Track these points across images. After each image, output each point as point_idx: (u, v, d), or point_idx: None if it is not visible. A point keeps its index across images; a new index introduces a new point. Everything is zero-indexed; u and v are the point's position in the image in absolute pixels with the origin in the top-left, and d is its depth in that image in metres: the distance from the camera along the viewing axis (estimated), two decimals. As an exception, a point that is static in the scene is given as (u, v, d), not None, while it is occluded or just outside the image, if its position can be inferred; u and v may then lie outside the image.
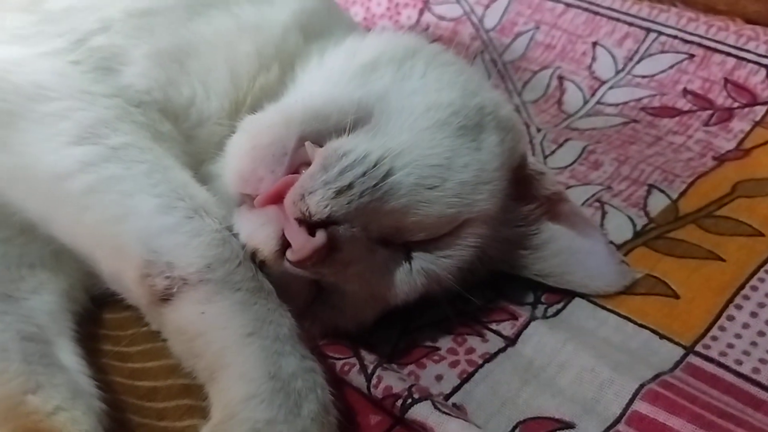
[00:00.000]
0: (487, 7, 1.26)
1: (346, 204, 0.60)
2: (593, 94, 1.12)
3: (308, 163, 0.62)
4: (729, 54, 1.06)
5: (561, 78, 1.15)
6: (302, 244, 0.59)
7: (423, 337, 0.74)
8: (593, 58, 1.14)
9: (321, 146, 0.63)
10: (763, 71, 1.02)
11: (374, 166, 0.62)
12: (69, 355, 0.67)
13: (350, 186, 0.61)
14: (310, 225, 0.60)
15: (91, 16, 0.73)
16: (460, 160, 0.68)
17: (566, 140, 1.03)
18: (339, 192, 0.60)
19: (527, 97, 1.15)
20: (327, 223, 0.60)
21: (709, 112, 1.03)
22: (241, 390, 0.55)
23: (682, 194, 0.90)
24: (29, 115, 0.65)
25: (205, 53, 0.74)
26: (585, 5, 1.18)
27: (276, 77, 0.76)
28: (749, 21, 1.12)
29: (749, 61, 1.04)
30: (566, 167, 0.97)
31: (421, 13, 1.31)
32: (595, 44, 1.15)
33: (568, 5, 1.19)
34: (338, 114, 0.66)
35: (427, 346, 0.73)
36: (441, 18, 1.29)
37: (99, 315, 0.77)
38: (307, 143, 0.63)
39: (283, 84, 0.77)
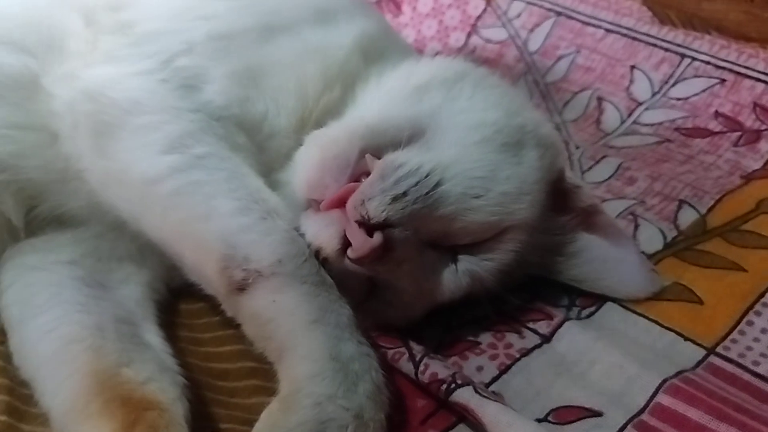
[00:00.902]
0: (531, 31, 1.30)
1: (400, 209, 0.67)
2: (630, 115, 1.15)
3: (368, 173, 0.69)
4: (758, 80, 1.09)
5: (600, 99, 1.18)
6: (361, 243, 0.66)
7: (465, 333, 0.80)
8: (631, 81, 1.18)
9: (379, 158, 0.70)
10: (790, 96, 1.05)
11: (426, 176, 0.69)
12: (154, 337, 0.75)
13: (405, 194, 0.67)
14: (368, 227, 0.66)
15: (176, 39, 0.80)
16: (502, 173, 0.73)
17: (603, 157, 1.07)
18: (395, 199, 0.67)
19: (567, 116, 1.19)
20: (383, 226, 0.67)
21: (738, 133, 1.06)
22: (306, 368, 0.61)
23: (710, 209, 0.94)
24: (125, 126, 0.73)
25: (277, 73, 0.81)
26: (624, 31, 1.22)
27: (338, 96, 0.83)
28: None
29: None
30: (602, 182, 1.02)
31: (468, 36, 1.36)
32: (633, 68, 1.19)
33: (609, 31, 1.23)
34: (395, 130, 0.73)
35: (469, 341, 0.79)
36: (487, 41, 1.34)
37: (176, 305, 0.84)
38: (367, 156, 0.70)
39: (344, 103, 0.83)
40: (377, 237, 0.66)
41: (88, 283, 0.78)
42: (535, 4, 1.32)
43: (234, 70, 0.79)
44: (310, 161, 0.73)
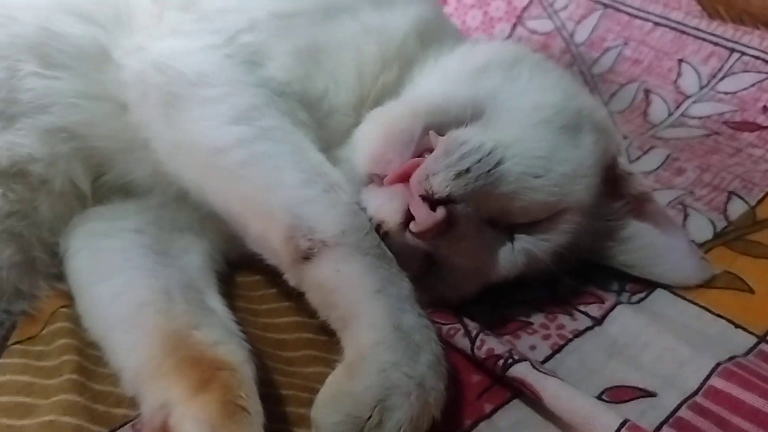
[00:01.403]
0: (578, 23, 1.32)
1: (463, 185, 0.68)
2: (678, 107, 1.16)
3: (430, 150, 0.70)
4: None
5: (647, 91, 1.20)
6: (425, 217, 0.66)
7: (516, 313, 0.81)
8: (679, 74, 1.19)
9: (442, 135, 0.71)
10: None
11: (488, 154, 0.69)
12: (218, 304, 0.76)
13: (468, 170, 0.68)
14: (432, 202, 0.67)
15: (241, 17, 0.81)
16: (561, 155, 0.74)
17: (651, 148, 1.08)
18: (458, 175, 0.67)
19: (614, 107, 1.20)
20: (446, 201, 0.67)
21: None
22: (370, 336, 0.62)
23: (760, 201, 0.95)
24: (193, 97, 0.74)
25: (336, 53, 0.82)
26: (673, 24, 1.23)
27: (395, 77, 0.84)
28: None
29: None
30: (651, 172, 1.03)
31: (514, 27, 1.37)
32: (681, 61, 1.20)
33: (657, 24, 1.24)
34: (457, 109, 0.74)
35: (521, 321, 0.79)
36: (533, 32, 1.35)
37: (233, 277, 0.86)
38: (431, 132, 0.71)
39: (401, 83, 0.85)
40: (440, 211, 0.67)
41: (155, 250, 0.80)
42: None
43: (295, 48, 0.81)
44: (374, 136, 0.74)
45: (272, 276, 0.78)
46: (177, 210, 0.84)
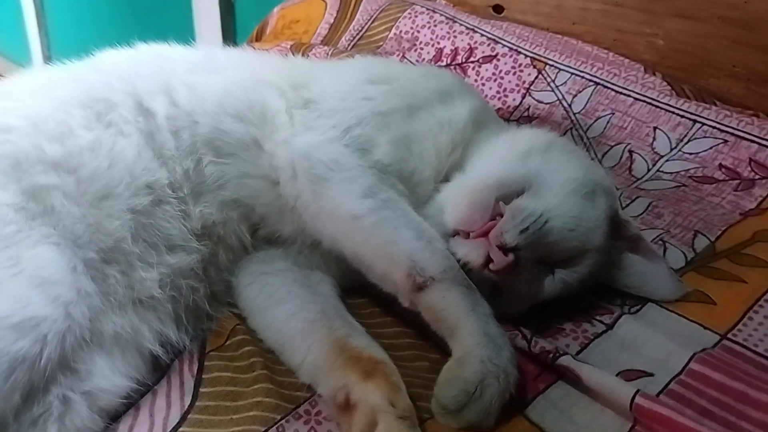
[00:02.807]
0: (575, 96, 1.55)
1: (524, 238, 0.95)
2: (654, 164, 1.38)
3: (500, 213, 0.99)
4: (753, 141, 1.32)
5: (630, 151, 1.42)
6: (501, 260, 0.95)
7: (554, 322, 1.07)
8: (654, 138, 1.41)
9: (506, 203, 1.00)
10: (777, 154, 1.29)
11: (539, 216, 0.97)
12: (354, 320, 1.04)
13: (527, 228, 0.96)
14: (504, 250, 0.96)
15: (349, 115, 1.08)
16: (585, 214, 1.02)
17: (636, 197, 1.30)
18: (521, 231, 0.96)
19: (606, 164, 1.41)
20: (514, 249, 0.96)
21: (737, 181, 1.29)
22: (470, 341, 0.89)
23: (718, 238, 1.16)
24: (332, 178, 1.01)
25: (421, 140, 1.09)
26: (649, 100, 1.46)
27: (459, 156, 1.11)
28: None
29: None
30: (637, 216, 1.25)
31: (523, 97, 1.61)
32: (655, 128, 1.42)
33: (637, 99, 1.47)
34: (515, 184, 1.01)
35: (557, 327, 1.06)
36: (539, 102, 1.59)
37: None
38: (500, 203, 0.99)
39: (463, 160, 1.11)
40: (510, 256, 0.95)
41: (303, 284, 1.06)
42: (578, 75, 1.58)
43: (393, 138, 1.07)
44: (460, 203, 1.01)
45: (376, 298, 1.05)
46: (310, 254, 1.10)
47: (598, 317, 1.09)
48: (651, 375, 0.96)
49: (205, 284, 1.06)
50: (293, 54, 1.76)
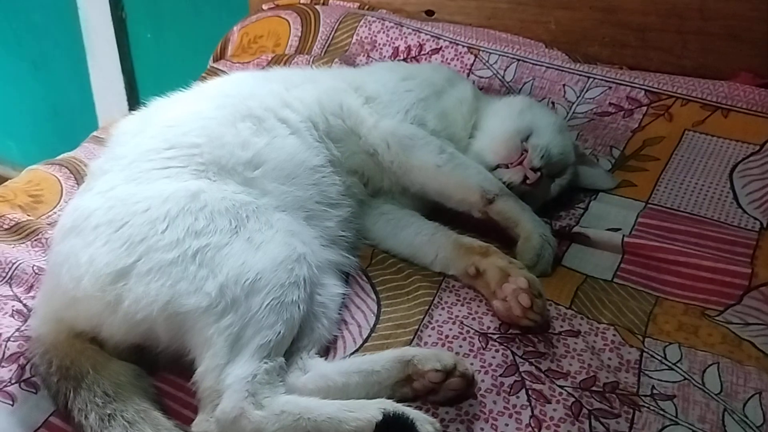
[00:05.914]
0: (505, 70, 1.98)
1: (542, 163, 1.53)
2: (570, 109, 1.87)
3: (525, 150, 1.56)
4: (625, 85, 1.85)
5: (552, 102, 1.90)
6: (534, 176, 1.51)
7: (555, 212, 1.68)
8: (564, 92, 1.91)
9: (524, 142, 1.56)
10: (642, 91, 1.83)
11: (546, 149, 1.55)
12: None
13: (542, 157, 1.53)
14: (534, 170, 1.52)
15: (403, 103, 1.56)
16: (565, 143, 1.61)
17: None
18: (540, 158, 1.53)
19: None
20: (538, 169, 1.52)
21: (623, 112, 1.81)
22: (530, 225, 1.43)
23: (624, 147, 1.72)
24: (414, 145, 1.48)
25: (451, 112, 1.61)
26: (555, 66, 1.96)
27: (474, 120, 1.67)
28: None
29: (636, 87, 1.84)
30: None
31: (468, 75, 2.02)
32: (564, 85, 1.91)
33: (548, 67, 1.96)
34: (526, 130, 1.57)
35: (558, 215, 1.68)
36: (481, 77, 2.00)
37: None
38: (522, 143, 1.56)
39: (476, 123, 1.66)
40: (538, 173, 1.53)
41: (411, 214, 1.55)
42: (504, 55, 2.04)
43: (436, 114, 1.58)
44: (500, 147, 1.55)
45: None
46: (401, 198, 1.59)
47: (577, 206, 1.69)
48: (620, 229, 1.58)
49: (351, 228, 1.51)
50: (275, 63, 2.18)
